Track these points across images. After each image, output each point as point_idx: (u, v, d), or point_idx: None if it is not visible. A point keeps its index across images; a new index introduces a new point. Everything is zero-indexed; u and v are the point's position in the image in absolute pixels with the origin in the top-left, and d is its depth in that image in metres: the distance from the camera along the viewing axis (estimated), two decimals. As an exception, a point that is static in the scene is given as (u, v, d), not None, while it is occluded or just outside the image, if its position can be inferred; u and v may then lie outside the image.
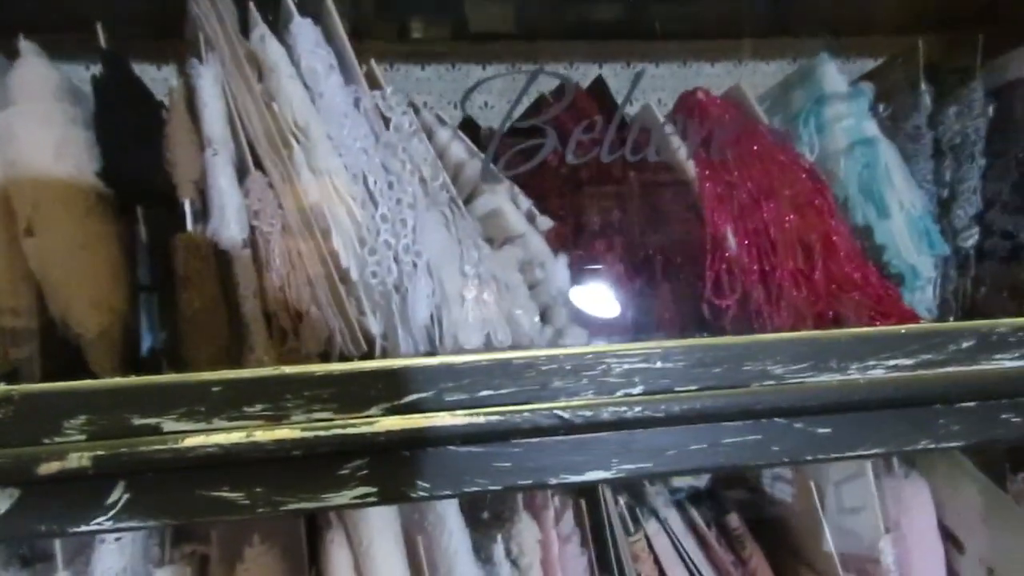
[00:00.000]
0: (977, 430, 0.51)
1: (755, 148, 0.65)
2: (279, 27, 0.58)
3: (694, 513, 0.66)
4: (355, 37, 0.75)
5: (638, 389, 0.46)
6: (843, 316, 0.62)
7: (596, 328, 0.60)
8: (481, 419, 0.44)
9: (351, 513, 0.57)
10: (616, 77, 0.87)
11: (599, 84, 0.67)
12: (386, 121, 0.57)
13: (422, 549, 0.57)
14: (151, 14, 0.74)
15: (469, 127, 0.65)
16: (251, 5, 0.55)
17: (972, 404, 0.50)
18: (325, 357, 0.58)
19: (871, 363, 0.49)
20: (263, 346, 0.57)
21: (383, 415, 0.44)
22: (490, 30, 0.82)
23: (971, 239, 0.66)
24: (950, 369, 0.50)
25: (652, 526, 0.63)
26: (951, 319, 0.67)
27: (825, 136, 0.66)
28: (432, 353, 0.56)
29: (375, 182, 0.56)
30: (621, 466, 0.46)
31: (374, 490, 0.43)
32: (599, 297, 0.61)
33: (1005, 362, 0.51)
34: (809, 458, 0.48)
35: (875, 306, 0.62)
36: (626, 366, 0.46)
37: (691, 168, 0.63)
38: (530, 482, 0.45)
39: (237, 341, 0.57)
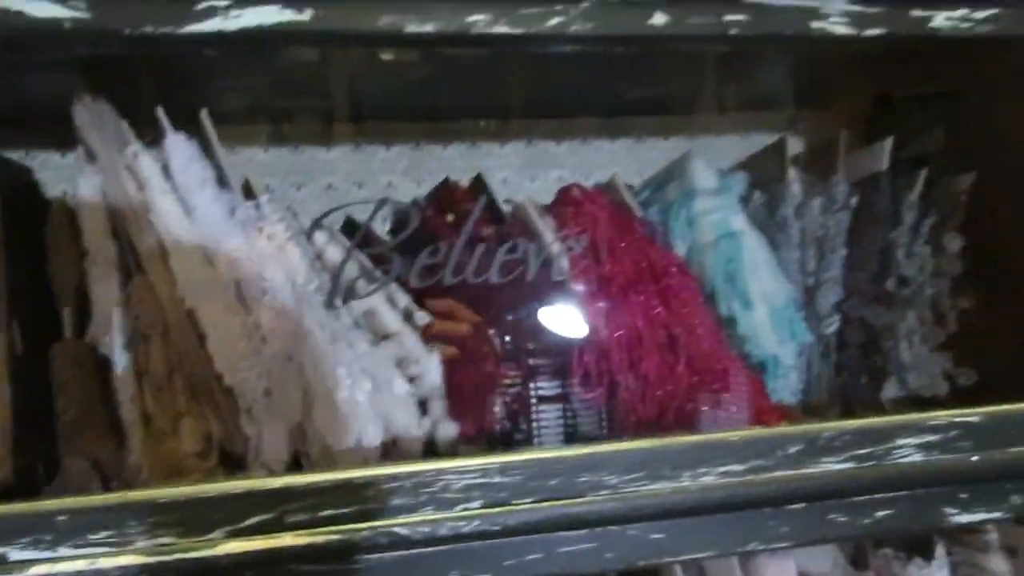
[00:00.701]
0: (805, 531, 0.54)
1: (627, 242, 0.68)
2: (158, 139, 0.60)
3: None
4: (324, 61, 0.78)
5: (476, 504, 0.49)
6: (705, 408, 0.65)
7: (467, 423, 0.62)
8: (321, 539, 0.47)
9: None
10: (518, 155, 0.90)
11: (479, 181, 0.70)
12: (261, 229, 0.60)
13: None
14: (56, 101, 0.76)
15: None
16: (123, 124, 0.58)
17: (800, 506, 0.54)
18: (203, 456, 0.61)
19: (702, 470, 0.52)
20: (140, 448, 0.60)
21: (225, 538, 0.46)
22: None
23: (832, 326, 0.70)
24: (778, 473, 0.53)
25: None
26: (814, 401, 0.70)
27: (695, 229, 0.70)
28: (301, 458, 0.58)
29: (248, 289, 0.59)
30: (460, 578, 0.49)
31: (218, 614, 0.46)
32: (471, 391, 0.63)
33: (831, 465, 0.54)
34: (642, 563, 0.51)
35: (735, 396, 0.65)
36: (465, 482, 0.49)
37: (564, 262, 0.67)
38: (371, 597, 0.48)
39: (117, 444, 0.60)
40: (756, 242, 0.70)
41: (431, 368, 0.63)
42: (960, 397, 0.70)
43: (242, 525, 0.46)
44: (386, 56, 0.81)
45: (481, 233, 0.66)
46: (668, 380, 0.65)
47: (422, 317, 0.65)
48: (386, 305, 0.63)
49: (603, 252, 0.68)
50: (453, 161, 0.88)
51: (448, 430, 0.62)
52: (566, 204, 0.70)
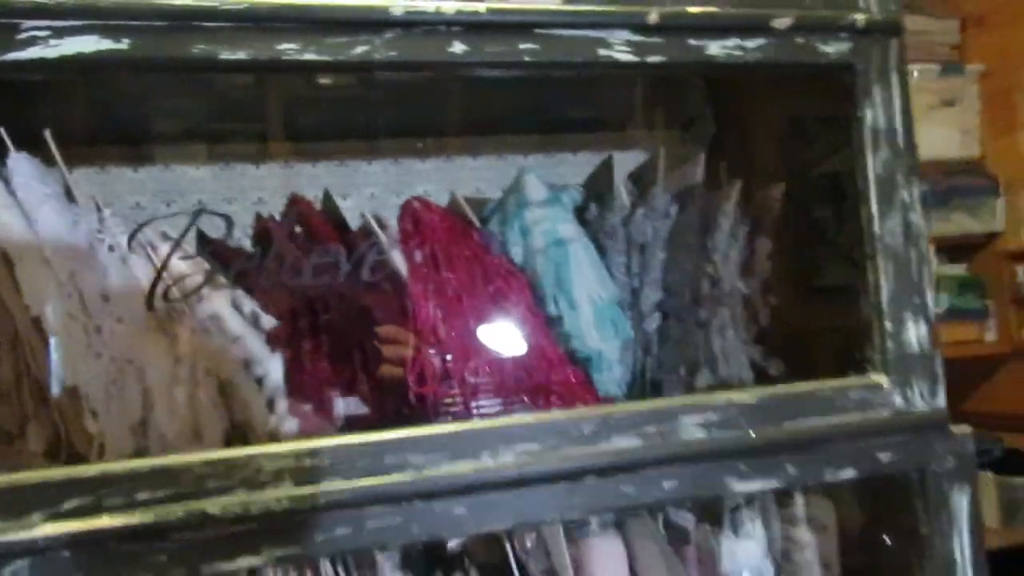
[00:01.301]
0: (597, 503, 0.60)
1: (464, 251, 0.75)
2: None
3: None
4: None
5: (287, 484, 0.54)
6: (531, 398, 0.71)
7: (307, 420, 0.67)
8: (136, 520, 0.51)
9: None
10: (385, 172, 0.96)
11: (327, 197, 0.75)
12: (103, 240, 0.64)
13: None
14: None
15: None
16: (-33, 144, 0.62)
17: (593, 480, 0.60)
18: (52, 456, 0.64)
19: (501, 449, 0.58)
20: (-14, 449, 0.63)
21: (43, 521, 0.50)
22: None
23: (654, 323, 0.77)
24: (572, 451, 0.59)
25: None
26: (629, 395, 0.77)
27: (527, 237, 0.76)
28: (142, 450, 0.62)
29: (90, 296, 0.63)
30: (272, 552, 0.53)
31: (33, 593, 0.49)
32: (310, 391, 0.68)
33: (622, 442, 0.61)
34: (446, 535, 0.57)
35: (559, 388, 0.71)
36: (277, 465, 0.54)
37: (404, 270, 0.72)
38: (184, 572, 0.52)
39: (-37, 445, 0.63)
40: (583, 248, 0.76)
41: (274, 369, 0.68)
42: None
43: (60, 509, 0.50)
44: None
45: (325, 243, 0.72)
46: (496, 375, 0.71)
47: (268, 321, 0.69)
48: (230, 310, 0.68)
49: (440, 258, 0.74)
50: (322, 179, 0.93)
51: (291, 426, 0.67)
52: (408, 216, 0.76)
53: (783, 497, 0.76)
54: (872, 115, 0.69)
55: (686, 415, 0.62)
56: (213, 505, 0.52)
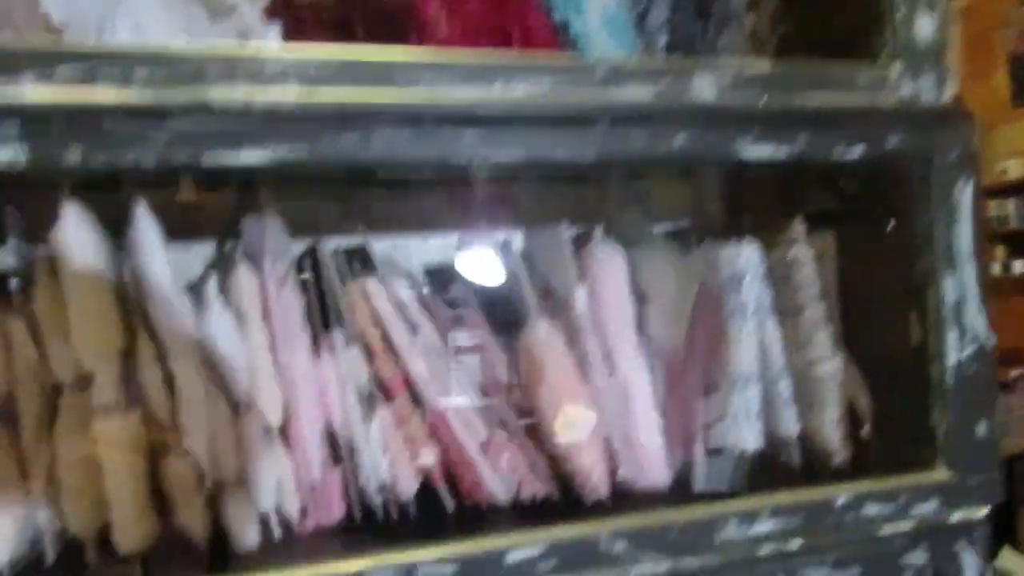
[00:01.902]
0: (608, 150, 0.59)
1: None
2: None
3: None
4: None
5: (292, 84, 0.51)
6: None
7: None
8: (133, 98, 0.48)
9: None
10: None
11: None
12: None
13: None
14: None
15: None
16: None
17: (605, 127, 0.58)
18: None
19: (513, 79, 0.56)
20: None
21: (35, 84, 0.47)
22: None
23: (662, 39, 0.76)
24: (583, 93, 0.58)
25: (372, 280, 0.69)
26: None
27: (533, -54, 0.74)
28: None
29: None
30: (276, 150, 0.51)
31: (23, 157, 0.47)
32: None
33: (634, 92, 0.59)
34: (453, 160, 0.55)
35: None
36: (282, 65, 0.51)
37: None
38: (185, 157, 0.50)
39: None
40: (590, -40, 0.74)
41: (270, 37, 0.65)
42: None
43: (51, 75, 0.47)
44: None
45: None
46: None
47: (264, -2, 0.66)
48: (223, -21, 0.64)
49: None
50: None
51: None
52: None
53: (784, 219, 0.76)
54: None
55: (699, 75, 0.61)
56: (215, 94, 0.50)
